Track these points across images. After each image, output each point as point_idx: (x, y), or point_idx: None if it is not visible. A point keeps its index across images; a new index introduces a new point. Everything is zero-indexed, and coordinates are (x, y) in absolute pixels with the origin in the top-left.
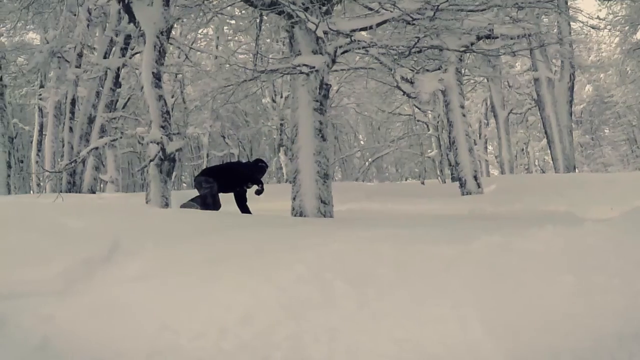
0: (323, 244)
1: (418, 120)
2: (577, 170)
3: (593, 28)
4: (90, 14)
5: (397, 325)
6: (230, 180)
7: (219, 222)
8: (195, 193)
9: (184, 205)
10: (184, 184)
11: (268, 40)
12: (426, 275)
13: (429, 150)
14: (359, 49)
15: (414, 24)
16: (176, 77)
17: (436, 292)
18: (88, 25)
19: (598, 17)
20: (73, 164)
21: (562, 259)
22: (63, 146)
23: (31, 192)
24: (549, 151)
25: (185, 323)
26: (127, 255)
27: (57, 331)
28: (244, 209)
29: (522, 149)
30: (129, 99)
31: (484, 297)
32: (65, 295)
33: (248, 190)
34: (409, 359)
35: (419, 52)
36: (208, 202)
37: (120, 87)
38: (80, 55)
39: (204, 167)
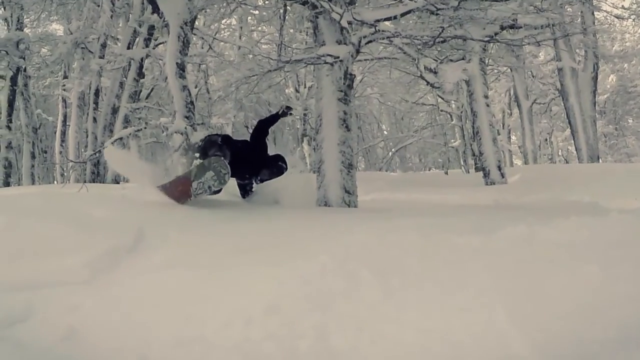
0: (348, 234)
1: (441, 110)
2: (600, 161)
3: (617, 18)
4: (113, 4)
5: (423, 315)
6: (246, 165)
7: (244, 213)
8: None
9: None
10: None
11: (291, 31)
12: (452, 266)
13: (452, 140)
14: (383, 39)
15: (438, 14)
16: (200, 67)
17: (462, 282)
18: (112, 16)
19: (622, 7)
20: (97, 154)
21: (587, 250)
22: (87, 136)
23: (55, 182)
24: (572, 141)
25: (211, 313)
26: (152, 245)
27: (83, 321)
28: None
29: (546, 139)
30: (152, 89)
31: (509, 287)
32: (91, 285)
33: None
34: (435, 349)
35: (443, 42)
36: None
37: (143, 77)
38: (103, 45)
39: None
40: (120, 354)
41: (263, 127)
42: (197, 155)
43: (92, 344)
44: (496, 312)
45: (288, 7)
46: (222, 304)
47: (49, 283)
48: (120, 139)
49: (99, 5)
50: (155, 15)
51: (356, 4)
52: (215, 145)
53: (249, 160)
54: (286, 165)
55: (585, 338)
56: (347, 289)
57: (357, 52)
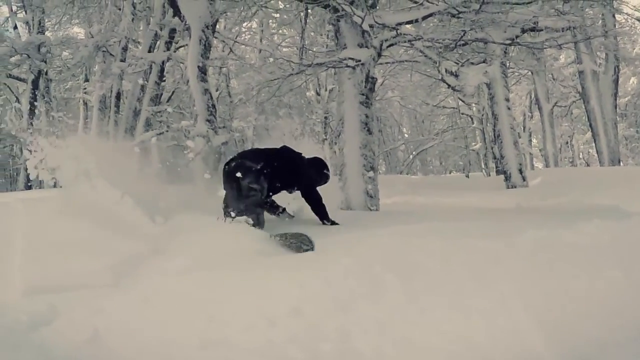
0: (371, 238)
1: (462, 113)
2: (622, 164)
3: (638, 20)
4: (134, 7)
5: (446, 319)
6: (285, 180)
7: (267, 216)
8: None
9: None
10: None
11: (312, 34)
12: (474, 269)
13: (473, 143)
14: (405, 42)
15: (459, 17)
16: (221, 70)
17: (484, 285)
18: (133, 19)
19: None
20: None
21: (608, 253)
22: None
23: None
24: (593, 144)
25: (234, 315)
26: (175, 248)
27: (108, 323)
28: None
29: (567, 142)
30: (173, 92)
31: (531, 290)
32: (115, 287)
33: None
34: (457, 351)
35: (464, 45)
36: (258, 214)
37: (164, 80)
38: (125, 49)
39: None
40: (144, 356)
41: (311, 182)
42: (226, 180)
43: (116, 346)
44: (519, 316)
45: (309, 11)
46: (246, 306)
47: (73, 286)
48: (142, 142)
49: (120, 9)
50: (177, 18)
51: (377, 7)
52: (251, 173)
53: (286, 177)
54: (328, 170)
55: (607, 341)
56: (370, 292)
57: (379, 55)
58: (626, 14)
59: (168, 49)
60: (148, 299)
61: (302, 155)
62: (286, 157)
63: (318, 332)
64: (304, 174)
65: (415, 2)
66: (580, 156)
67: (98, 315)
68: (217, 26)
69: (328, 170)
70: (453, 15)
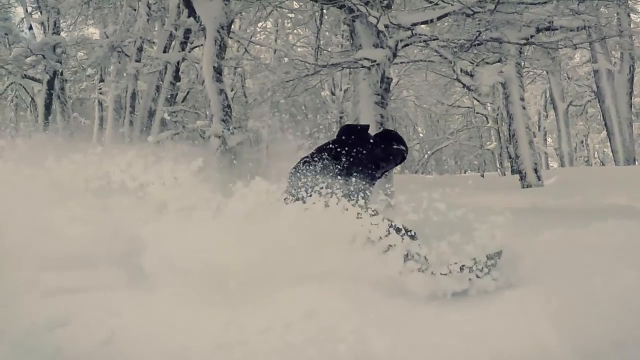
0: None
1: (477, 113)
2: (637, 163)
3: None
4: (149, 8)
5: (464, 320)
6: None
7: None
8: None
9: None
10: None
11: (327, 34)
12: None
13: (488, 143)
14: (420, 42)
15: (474, 17)
16: (235, 70)
17: (502, 287)
18: (148, 20)
19: None
20: None
21: (625, 253)
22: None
23: None
24: (608, 143)
25: (250, 318)
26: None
27: (123, 325)
28: None
29: (582, 141)
30: (188, 92)
31: (549, 291)
32: (131, 290)
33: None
34: (475, 354)
35: (479, 44)
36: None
37: (179, 80)
38: (140, 49)
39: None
40: (160, 358)
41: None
42: None
43: (132, 348)
44: (537, 317)
45: (324, 11)
46: (262, 308)
47: (89, 288)
48: (158, 142)
49: (135, 9)
50: (192, 18)
51: (392, 8)
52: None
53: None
54: (405, 145)
55: (625, 342)
56: (386, 293)
57: (394, 55)
58: None
59: (183, 49)
60: (164, 301)
61: (368, 129)
62: (348, 142)
63: (334, 334)
64: (368, 153)
65: (430, 2)
66: (596, 155)
67: (114, 317)
68: (232, 26)
69: (401, 143)
70: (468, 15)
